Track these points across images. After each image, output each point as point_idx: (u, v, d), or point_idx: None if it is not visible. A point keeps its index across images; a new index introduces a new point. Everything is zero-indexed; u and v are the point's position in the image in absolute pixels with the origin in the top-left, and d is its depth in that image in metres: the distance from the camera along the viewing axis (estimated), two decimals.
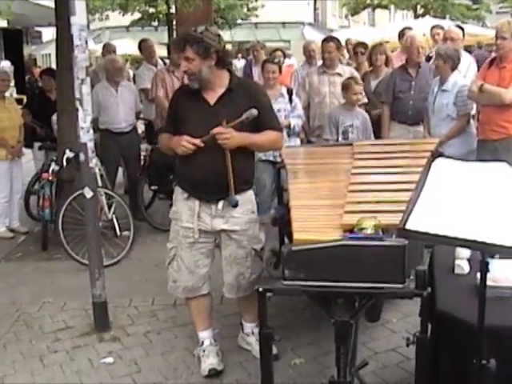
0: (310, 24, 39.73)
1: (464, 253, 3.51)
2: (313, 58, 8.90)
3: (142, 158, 7.89)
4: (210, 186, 3.90)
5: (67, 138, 6.72)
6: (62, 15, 6.43)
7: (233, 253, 4.11)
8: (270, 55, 8.97)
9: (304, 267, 3.13)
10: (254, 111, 3.81)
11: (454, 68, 6.23)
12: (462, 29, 8.32)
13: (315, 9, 42.46)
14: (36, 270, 6.31)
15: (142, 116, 8.40)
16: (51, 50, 17.13)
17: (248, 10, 30.82)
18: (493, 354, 2.72)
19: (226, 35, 32.03)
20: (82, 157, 4.68)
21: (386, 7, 35.91)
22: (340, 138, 6.30)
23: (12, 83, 11.23)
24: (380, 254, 3.06)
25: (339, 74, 7.07)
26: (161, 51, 12.33)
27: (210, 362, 4.15)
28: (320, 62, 7.82)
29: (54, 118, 7.36)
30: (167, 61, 9.21)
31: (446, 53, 6.25)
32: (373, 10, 40.26)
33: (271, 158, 6.47)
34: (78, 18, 4.48)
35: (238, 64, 12.99)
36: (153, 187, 7.51)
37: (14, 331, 4.91)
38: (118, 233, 6.75)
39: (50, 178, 6.81)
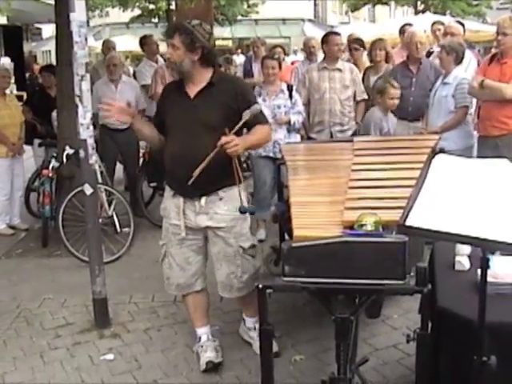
0: (310, 20, 39.73)
1: (464, 249, 3.51)
2: (313, 54, 8.89)
3: (141, 154, 7.90)
4: (193, 182, 3.77)
5: (67, 134, 6.72)
6: (61, 12, 6.43)
7: (221, 250, 4.08)
8: (270, 51, 8.95)
9: (304, 264, 3.13)
10: (257, 106, 3.82)
11: (457, 61, 6.22)
12: (463, 24, 8.30)
13: (315, 5, 42.44)
14: (36, 266, 6.32)
15: (146, 114, 8.32)
16: (51, 46, 17.13)
17: (248, 6, 30.79)
18: (493, 350, 2.71)
19: (226, 31, 32.11)
20: (81, 153, 4.68)
21: (386, 3, 35.83)
22: None
23: (12, 80, 11.20)
24: (380, 251, 3.05)
25: (339, 70, 7.06)
26: (161, 47, 12.30)
27: (207, 355, 4.16)
28: (320, 58, 7.81)
29: (54, 114, 7.36)
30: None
31: (449, 45, 6.25)
32: (373, 7, 40.19)
33: (271, 155, 6.47)
34: (78, 15, 4.48)
35: (238, 60, 12.94)
36: (152, 184, 7.52)
37: (15, 328, 4.92)
38: (118, 229, 6.77)
39: (50, 174, 6.81)
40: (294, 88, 6.86)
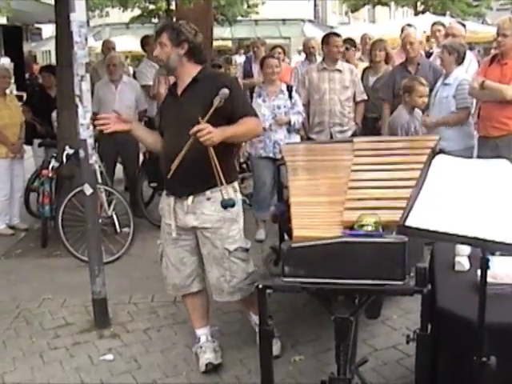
0: (310, 21, 39.72)
1: (464, 250, 3.51)
2: (312, 54, 8.91)
3: (141, 155, 7.90)
4: (181, 180, 3.79)
5: (67, 134, 6.72)
6: (61, 12, 6.43)
7: (210, 252, 4.02)
8: (270, 52, 8.96)
9: (304, 264, 3.13)
10: (225, 90, 3.61)
11: (458, 62, 6.24)
12: (464, 25, 8.31)
13: (315, 6, 42.43)
14: (36, 266, 6.32)
15: (147, 114, 8.29)
16: (51, 46, 17.12)
17: (248, 6, 30.74)
18: (493, 351, 2.72)
19: (226, 32, 32.10)
20: (81, 153, 4.68)
21: (386, 4, 35.82)
22: None
23: (12, 80, 11.18)
24: (380, 251, 3.05)
25: (339, 71, 7.07)
26: None
27: (206, 357, 4.15)
28: (320, 59, 7.82)
29: (54, 114, 7.36)
30: None
31: (451, 45, 6.28)
32: (373, 7, 40.19)
33: (271, 155, 6.48)
34: (78, 15, 4.48)
35: (238, 60, 12.92)
36: (152, 184, 7.51)
37: (14, 328, 4.92)
38: (118, 229, 6.77)
39: (50, 174, 6.81)
40: (294, 88, 6.86)
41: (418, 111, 6.00)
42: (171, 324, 4.89)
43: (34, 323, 4.99)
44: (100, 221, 5.73)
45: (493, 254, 3.21)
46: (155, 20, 26.24)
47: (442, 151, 4.38)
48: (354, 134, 6.93)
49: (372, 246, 3.08)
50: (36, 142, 7.90)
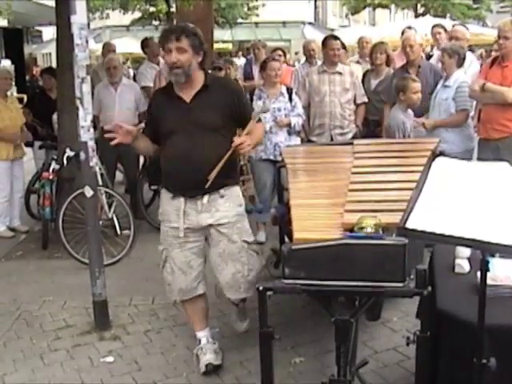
0: (310, 23, 39.77)
1: (464, 252, 3.52)
2: (313, 57, 8.90)
3: (142, 157, 7.90)
4: (195, 181, 3.87)
5: (68, 136, 6.73)
6: (62, 14, 6.44)
7: (226, 248, 4.05)
8: (271, 54, 8.97)
9: (304, 266, 3.14)
10: (261, 104, 3.88)
11: (459, 64, 6.25)
12: (467, 28, 8.33)
13: (316, 8, 42.47)
14: (36, 268, 6.32)
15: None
16: (52, 49, 17.11)
17: (248, 9, 30.83)
18: (493, 352, 2.72)
19: (226, 34, 32.13)
20: (82, 156, 4.69)
21: (386, 6, 35.88)
22: None
23: (13, 82, 11.19)
24: (380, 253, 3.06)
25: (339, 73, 7.07)
26: (161, 50, 12.32)
27: (206, 358, 4.15)
28: (320, 61, 7.83)
29: (55, 116, 7.37)
30: None
31: (451, 48, 6.29)
32: (373, 10, 40.24)
33: (271, 157, 6.49)
34: (79, 17, 4.48)
35: (239, 62, 12.94)
36: (153, 186, 7.51)
37: (15, 329, 4.92)
38: (119, 232, 6.76)
39: (51, 176, 6.82)
40: (294, 91, 6.87)
41: (410, 112, 6.02)
42: (171, 326, 4.89)
43: (34, 325, 4.99)
44: (100, 223, 5.73)
45: (493, 256, 3.22)
46: (156, 22, 26.29)
47: (442, 153, 4.39)
48: (355, 137, 6.93)
49: (372, 247, 3.09)
50: (37, 144, 7.90)
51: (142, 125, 6.59)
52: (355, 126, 7.17)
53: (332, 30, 33.71)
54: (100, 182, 6.47)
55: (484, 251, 2.57)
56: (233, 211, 4.03)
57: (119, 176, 8.74)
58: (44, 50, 31.32)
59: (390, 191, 3.85)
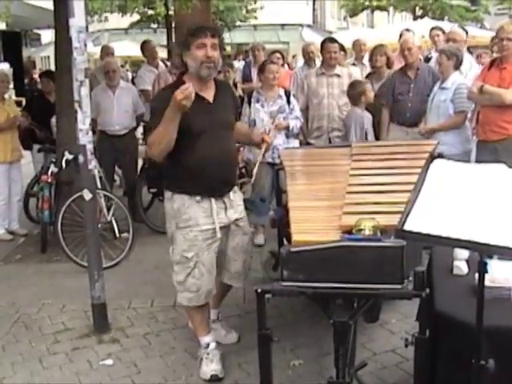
0: (308, 26, 39.78)
1: (462, 254, 3.52)
2: (312, 59, 8.91)
3: (140, 160, 7.91)
4: (224, 179, 4.07)
5: (66, 140, 6.73)
6: (60, 17, 6.44)
7: (240, 241, 4.25)
8: (269, 57, 8.98)
9: (303, 268, 3.14)
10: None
11: (456, 67, 6.26)
12: (466, 31, 8.33)
13: (314, 10, 42.48)
14: (35, 271, 6.32)
15: (144, 118, 8.32)
16: (50, 52, 17.14)
17: (247, 11, 30.82)
18: (491, 354, 2.72)
19: (224, 37, 32.14)
20: (81, 159, 4.69)
21: (384, 9, 35.90)
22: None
23: (11, 85, 11.17)
24: (378, 255, 3.06)
25: (337, 76, 7.08)
26: (160, 53, 12.34)
27: (213, 367, 4.13)
28: (319, 64, 7.84)
29: (53, 120, 7.37)
30: (168, 62, 9.22)
31: (449, 50, 6.30)
32: (371, 12, 40.23)
33: (270, 160, 6.48)
34: (77, 20, 4.49)
35: (237, 65, 12.96)
36: (152, 190, 7.52)
37: (14, 333, 4.92)
38: (117, 235, 6.76)
39: (49, 180, 6.82)
40: (292, 93, 6.88)
41: (368, 114, 6.54)
42: (170, 329, 4.89)
43: (33, 328, 4.99)
44: (99, 226, 5.73)
45: (491, 258, 3.23)
46: (154, 25, 26.28)
47: (440, 155, 4.40)
48: None
49: (370, 250, 3.09)
50: (35, 147, 7.91)
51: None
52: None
53: (330, 32, 33.74)
54: (99, 185, 6.47)
55: (482, 253, 2.57)
56: (242, 204, 4.30)
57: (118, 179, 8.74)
58: (42, 53, 31.33)
59: (388, 193, 3.86)
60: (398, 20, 44.32)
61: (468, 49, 8.73)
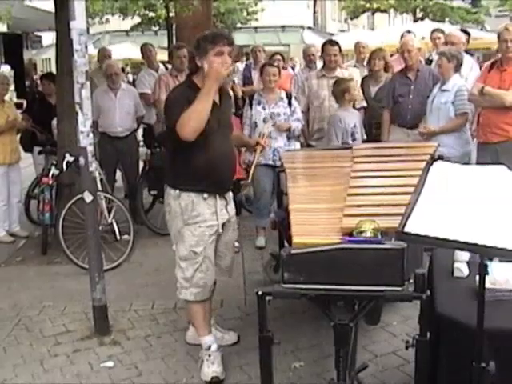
0: (309, 28, 39.83)
1: (463, 256, 3.52)
2: (312, 61, 8.92)
3: (141, 162, 7.92)
4: (230, 176, 4.27)
5: (67, 142, 6.73)
6: (61, 20, 6.45)
7: (231, 236, 4.43)
8: (270, 59, 8.98)
9: (303, 270, 3.14)
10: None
11: (456, 69, 6.26)
12: (468, 33, 8.33)
13: (315, 13, 42.52)
14: (36, 273, 6.32)
15: (144, 121, 8.34)
16: (51, 54, 17.16)
17: (248, 14, 30.85)
18: (492, 356, 2.72)
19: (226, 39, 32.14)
20: (81, 161, 4.69)
21: (385, 11, 35.93)
22: (350, 141, 6.34)
23: (12, 87, 11.21)
24: (379, 257, 3.06)
25: (337, 77, 7.08)
26: (161, 56, 12.32)
27: (214, 369, 4.14)
28: (319, 66, 7.84)
29: (54, 122, 7.37)
30: (168, 65, 9.22)
31: (450, 52, 6.29)
32: (372, 14, 40.30)
33: (270, 162, 6.48)
34: (78, 23, 4.49)
35: (241, 67, 12.95)
36: (152, 192, 7.52)
37: (15, 335, 4.92)
38: (118, 237, 6.76)
39: (50, 182, 6.82)
40: (294, 96, 6.88)
41: (353, 110, 6.62)
42: (171, 331, 4.89)
43: (34, 330, 4.99)
44: (100, 228, 5.74)
45: (491, 260, 3.23)
46: (155, 28, 26.29)
47: (440, 157, 4.40)
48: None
49: (371, 252, 3.09)
50: (36, 149, 7.91)
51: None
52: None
53: (331, 34, 33.72)
54: (99, 187, 6.47)
55: (483, 255, 2.57)
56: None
57: (119, 181, 8.72)
58: (43, 56, 31.39)
59: (389, 195, 3.85)
60: (399, 22, 44.36)
61: (469, 51, 8.73)
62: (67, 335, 4.89)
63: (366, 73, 8.26)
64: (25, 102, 10.48)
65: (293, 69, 14.42)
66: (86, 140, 4.64)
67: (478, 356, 2.65)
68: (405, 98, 6.84)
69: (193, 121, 3.81)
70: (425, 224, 2.48)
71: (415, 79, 6.89)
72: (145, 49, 9.40)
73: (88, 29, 16.34)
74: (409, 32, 9.51)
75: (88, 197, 4.71)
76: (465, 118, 6.25)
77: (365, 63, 8.77)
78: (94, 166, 4.82)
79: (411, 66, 6.91)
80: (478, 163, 5.95)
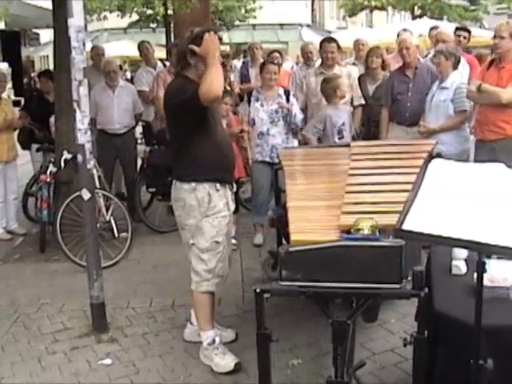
0: (307, 25, 39.79)
1: (461, 253, 3.52)
2: (310, 59, 8.91)
3: (139, 159, 7.91)
4: (234, 163, 4.39)
5: (65, 139, 6.72)
6: (59, 17, 6.44)
7: (230, 229, 4.48)
8: (268, 56, 8.98)
9: (301, 268, 3.14)
10: None
11: (455, 66, 6.27)
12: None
13: (313, 10, 42.49)
14: (34, 271, 6.31)
15: (143, 118, 8.33)
16: (49, 51, 17.14)
17: (246, 11, 30.82)
18: (490, 353, 2.73)
19: (223, 37, 32.12)
20: (79, 158, 4.68)
21: (383, 9, 35.92)
22: (336, 139, 6.34)
23: (10, 85, 11.17)
24: (377, 255, 3.06)
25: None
26: (159, 53, 12.31)
27: (230, 358, 4.21)
28: (318, 64, 7.84)
29: (52, 119, 7.36)
30: (167, 63, 9.21)
31: (447, 49, 6.30)
32: (370, 12, 40.25)
33: (268, 159, 6.49)
34: (76, 20, 4.48)
35: (238, 64, 12.94)
36: (150, 189, 7.51)
37: (13, 332, 4.91)
38: (116, 234, 6.76)
39: (48, 179, 6.82)
40: (292, 93, 6.88)
41: (342, 107, 6.59)
42: (169, 329, 4.89)
43: (32, 328, 4.99)
44: (98, 226, 5.73)
45: (489, 258, 3.24)
46: (153, 25, 26.27)
47: (439, 155, 4.40)
48: (352, 139, 6.94)
49: (369, 249, 3.09)
50: (34, 146, 7.89)
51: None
52: (353, 129, 7.16)
53: (329, 32, 33.74)
54: (97, 185, 6.47)
55: (481, 252, 2.57)
56: None
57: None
58: (41, 53, 31.31)
59: (387, 193, 3.86)
60: (397, 20, 44.40)
61: (466, 48, 8.74)
62: (65, 333, 4.89)
63: None
64: (23, 100, 10.46)
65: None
66: (84, 137, 4.64)
67: (475, 353, 2.65)
68: (403, 95, 6.85)
69: (216, 80, 3.84)
70: (423, 221, 2.47)
71: (414, 77, 6.89)
72: (142, 47, 9.38)
73: (86, 26, 16.30)
74: (405, 30, 9.53)
75: (86, 194, 4.71)
76: (464, 116, 6.26)
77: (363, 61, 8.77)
78: (91, 164, 4.81)
79: (409, 64, 6.91)
80: (475, 161, 5.95)
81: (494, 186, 2.71)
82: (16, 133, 7.90)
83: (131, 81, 10.03)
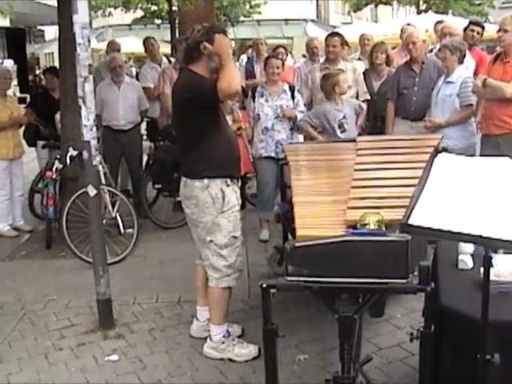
0: (312, 21, 39.75)
1: (467, 248, 3.51)
2: (315, 54, 8.89)
3: (145, 156, 7.92)
4: (240, 158, 4.40)
5: (71, 136, 6.73)
6: (64, 13, 6.44)
7: None
8: (273, 52, 8.97)
9: (307, 263, 3.13)
10: None
11: (460, 60, 6.25)
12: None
13: (318, 5, 42.43)
14: (40, 268, 6.33)
15: (148, 114, 8.33)
16: (54, 48, 17.14)
17: (251, 7, 30.73)
18: (496, 348, 2.72)
19: (228, 32, 32.09)
20: (85, 155, 4.68)
21: (388, 3, 35.81)
22: (338, 133, 6.30)
23: (15, 82, 11.20)
24: (383, 250, 3.06)
25: (341, 70, 7.05)
26: (164, 49, 12.31)
27: (251, 347, 4.30)
28: (322, 59, 7.83)
29: (58, 116, 7.37)
30: (172, 59, 9.20)
31: (452, 44, 6.29)
32: (375, 6, 40.17)
33: (273, 155, 6.48)
34: (81, 17, 4.48)
35: (245, 59, 12.95)
36: (156, 186, 7.51)
37: (19, 329, 4.93)
38: (122, 230, 6.76)
39: (54, 176, 6.83)
40: (297, 88, 6.87)
41: (347, 101, 6.45)
42: (176, 324, 4.89)
43: (38, 324, 5.00)
44: (104, 222, 5.73)
45: (496, 252, 3.23)
46: (158, 21, 26.24)
47: (445, 149, 4.39)
48: (360, 133, 6.91)
49: (375, 244, 3.08)
50: (40, 143, 7.91)
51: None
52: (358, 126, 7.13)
53: (334, 27, 33.63)
54: (103, 181, 6.47)
55: (487, 247, 2.57)
56: None
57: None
58: (46, 50, 31.35)
59: (393, 188, 3.85)
60: (402, 14, 44.19)
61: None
62: (72, 329, 4.90)
63: None
64: (28, 97, 10.48)
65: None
66: (90, 134, 4.64)
67: (482, 348, 2.65)
68: (409, 90, 6.83)
69: (235, 77, 3.96)
70: (429, 216, 2.47)
71: (420, 72, 6.88)
72: (147, 43, 9.37)
73: (91, 22, 16.30)
74: (409, 25, 9.50)
75: (92, 191, 4.71)
76: (470, 110, 6.25)
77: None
78: (97, 160, 4.82)
79: (416, 59, 6.90)
80: (480, 155, 5.94)
81: (500, 180, 2.70)
82: (22, 130, 7.90)
83: (136, 77, 10.03)
